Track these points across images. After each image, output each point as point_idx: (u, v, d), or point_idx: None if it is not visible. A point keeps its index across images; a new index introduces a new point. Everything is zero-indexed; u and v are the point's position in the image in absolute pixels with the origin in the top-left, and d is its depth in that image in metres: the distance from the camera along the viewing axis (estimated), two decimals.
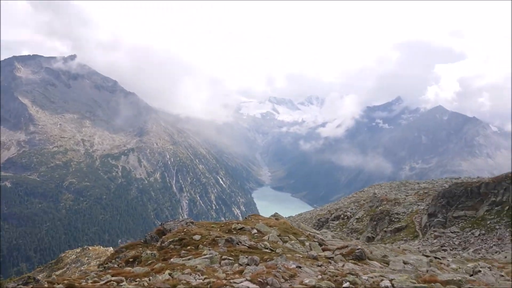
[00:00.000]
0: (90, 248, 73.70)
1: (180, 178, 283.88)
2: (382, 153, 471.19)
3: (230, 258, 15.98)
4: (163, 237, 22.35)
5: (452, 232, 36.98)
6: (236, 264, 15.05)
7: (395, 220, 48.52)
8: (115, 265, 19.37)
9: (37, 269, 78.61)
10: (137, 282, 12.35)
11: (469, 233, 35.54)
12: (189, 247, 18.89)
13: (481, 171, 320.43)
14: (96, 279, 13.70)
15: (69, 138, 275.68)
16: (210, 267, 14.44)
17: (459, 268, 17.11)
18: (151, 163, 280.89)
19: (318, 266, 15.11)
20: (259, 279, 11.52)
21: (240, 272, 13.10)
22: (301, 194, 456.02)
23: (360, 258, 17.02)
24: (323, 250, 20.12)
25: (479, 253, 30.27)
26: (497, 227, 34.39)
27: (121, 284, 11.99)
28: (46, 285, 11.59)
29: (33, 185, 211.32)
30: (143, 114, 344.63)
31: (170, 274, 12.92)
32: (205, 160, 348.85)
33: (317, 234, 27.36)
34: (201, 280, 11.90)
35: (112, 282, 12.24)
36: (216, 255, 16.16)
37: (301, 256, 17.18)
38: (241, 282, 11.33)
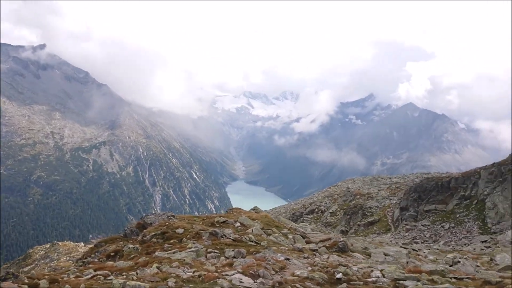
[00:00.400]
0: (60, 243, 72.00)
1: (153, 172, 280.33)
2: (355, 149, 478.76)
3: (215, 251, 16.01)
4: (145, 230, 22.30)
5: (423, 225, 37.84)
6: (223, 257, 15.07)
7: (368, 214, 49.32)
8: (95, 260, 19.13)
9: (3, 265, 76.28)
10: (125, 276, 12.01)
11: (440, 226, 36.43)
12: (172, 241, 18.86)
13: (449, 167, 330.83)
14: (78, 273, 13.30)
15: (38, 130, 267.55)
16: (197, 260, 14.40)
17: (437, 259, 17.50)
18: (123, 157, 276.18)
19: (305, 258, 15.29)
20: (250, 271, 11.56)
21: (230, 265, 13.11)
22: (275, 188, 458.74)
23: (343, 250, 17.31)
24: (307, 242, 20.34)
25: (449, 245, 31.04)
26: (466, 220, 35.36)
27: (108, 278, 11.64)
28: (26, 281, 11.10)
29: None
30: (116, 107, 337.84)
31: (158, 268, 12.74)
32: (179, 154, 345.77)
33: (298, 227, 27.60)
34: (191, 273, 11.80)
35: (98, 276, 11.91)
36: (201, 248, 16.14)
37: (287, 248, 17.35)
38: (233, 274, 11.29)
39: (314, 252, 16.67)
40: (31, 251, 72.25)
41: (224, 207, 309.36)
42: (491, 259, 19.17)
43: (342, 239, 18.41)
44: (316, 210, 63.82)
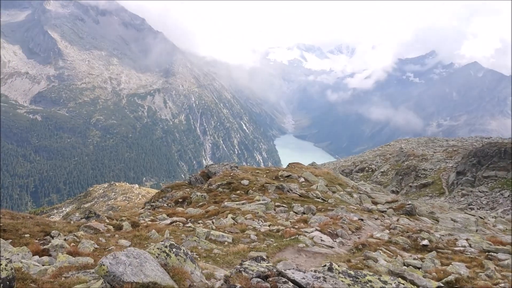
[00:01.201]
0: (117, 184, 76.38)
1: (204, 121, 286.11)
2: (411, 108, 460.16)
3: (283, 205, 15.89)
4: (210, 179, 22.63)
5: (480, 192, 36.19)
6: (292, 212, 14.92)
7: (421, 176, 47.81)
8: (164, 204, 19.70)
9: (67, 200, 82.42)
10: (202, 224, 12.35)
11: (498, 193, 34.68)
12: (238, 192, 19.14)
13: (510, 132, 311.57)
14: (152, 217, 13.92)
15: (97, 75, 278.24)
16: (268, 213, 14.41)
17: (506, 229, 16.62)
18: (176, 105, 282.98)
19: (375, 219, 14.97)
20: (328, 230, 11.41)
21: (304, 221, 12.93)
22: (323, 144, 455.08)
23: (410, 213, 16.95)
24: (373, 203, 19.98)
25: (507, 214, 29.60)
26: None
27: (187, 225, 11.98)
28: (107, 220, 11.93)
29: (62, 120, 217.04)
30: (170, 55, 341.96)
31: (233, 219, 12.86)
32: (230, 104, 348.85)
33: (360, 186, 27.16)
34: (267, 227, 11.72)
35: (177, 222, 12.34)
36: (270, 201, 16.04)
37: (356, 208, 17.04)
38: (312, 231, 11.12)
39: (383, 214, 16.28)
40: (91, 189, 77.33)
41: (272, 159, 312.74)
42: None
43: (409, 202, 17.92)
44: (367, 168, 62.76)
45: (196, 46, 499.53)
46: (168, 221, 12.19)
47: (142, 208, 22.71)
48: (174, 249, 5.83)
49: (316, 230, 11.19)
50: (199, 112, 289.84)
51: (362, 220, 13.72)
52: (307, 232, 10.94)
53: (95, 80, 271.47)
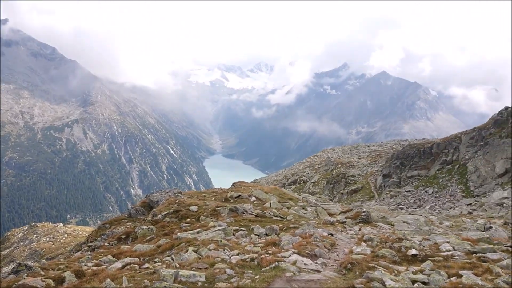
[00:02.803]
0: (38, 225, 70.37)
1: (129, 149, 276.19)
2: (330, 119, 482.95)
3: (242, 228, 14.94)
4: (154, 210, 21.15)
5: (407, 191, 38.40)
6: (253, 235, 14.00)
7: (351, 182, 49.79)
8: (105, 244, 17.85)
9: None
10: (161, 263, 10.70)
11: (423, 191, 37.04)
12: (188, 219, 17.84)
13: (422, 133, 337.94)
14: (95, 261, 12.06)
15: (6, 110, 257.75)
16: (231, 240, 13.22)
17: (453, 225, 17.42)
18: (97, 135, 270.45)
19: (339, 231, 14.47)
20: (306, 251, 10.51)
21: (273, 244, 11.94)
22: (252, 161, 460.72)
23: (367, 221, 16.81)
24: (329, 214, 19.56)
25: (434, 210, 31.59)
26: (449, 184, 36.01)
27: (144, 266, 10.28)
28: (42, 272, 9.92)
29: None
30: (86, 83, 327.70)
31: (195, 251, 11.36)
32: (154, 130, 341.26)
33: (309, 198, 27.00)
34: (237, 257, 10.41)
35: (132, 264, 10.51)
36: (226, 226, 15.00)
37: (317, 222, 16.44)
38: (290, 255, 10.14)
39: (344, 225, 15.99)
40: (8, 233, 70.36)
41: (202, 181, 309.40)
42: (506, 223, 19.45)
43: (364, 210, 17.87)
44: (298, 180, 64.16)
45: (113, 73, 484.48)
46: (119, 265, 10.43)
47: (79, 251, 20.64)
48: None
49: (294, 253, 10.33)
50: (122, 140, 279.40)
51: (332, 235, 13.26)
52: (285, 257, 9.96)
53: (4, 115, 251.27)
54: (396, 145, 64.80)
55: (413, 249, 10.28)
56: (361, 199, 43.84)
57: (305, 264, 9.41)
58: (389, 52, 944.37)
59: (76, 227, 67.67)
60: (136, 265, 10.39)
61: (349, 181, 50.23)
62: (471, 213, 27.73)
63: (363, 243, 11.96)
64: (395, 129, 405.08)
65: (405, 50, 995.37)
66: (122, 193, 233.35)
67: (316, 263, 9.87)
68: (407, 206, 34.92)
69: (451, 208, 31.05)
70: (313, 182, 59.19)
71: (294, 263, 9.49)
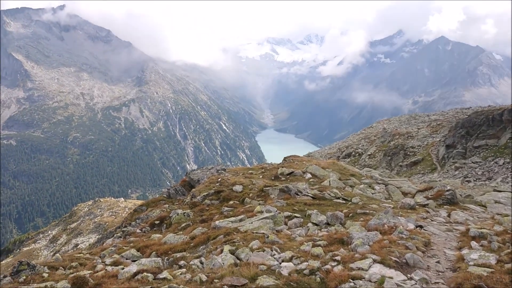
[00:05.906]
0: (102, 200, 74.22)
1: (183, 126, 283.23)
2: (385, 88, 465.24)
3: (296, 215, 11.92)
4: (193, 190, 18.36)
5: (474, 163, 35.80)
6: (311, 224, 11.06)
7: (410, 153, 47.41)
8: (137, 230, 15.65)
9: (52, 223, 79.76)
10: (185, 269, 8.02)
11: (493, 162, 34.30)
12: (231, 202, 15.13)
13: (484, 101, 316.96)
14: (115, 257, 10.09)
15: (68, 92, 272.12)
16: (280, 232, 10.47)
17: None
18: (153, 113, 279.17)
19: (423, 218, 11.23)
20: (393, 258, 7.08)
21: (340, 241, 8.56)
22: (304, 134, 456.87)
23: (452, 202, 13.72)
24: (403, 194, 16.63)
25: (507, 182, 29.18)
26: None
27: (161, 276, 7.40)
28: (44, 274, 8.17)
29: (38, 141, 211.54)
30: (140, 64, 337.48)
31: (232, 252, 8.40)
32: (207, 106, 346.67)
33: (373, 173, 23.86)
34: (290, 263, 7.37)
35: (145, 273, 7.45)
36: (276, 212, 11.87)
37: (392, 206, 13.21)
38: (369, 265, 6.85)
39: (426, 209, 12.72)
40: (75, 208, 74.97)
41: (255, 156, 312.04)
42: None
43: (448, 188, 14.44)
44: (353, 153, 62.17)
45: (165, 52, 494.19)
46: (134, 268, 7.90)
47: (111, 238, 18.29)
48: None
49: (375, 262, 7.00)
50: (177, 118, 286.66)
51: (421, 227, 9.70)
52: (362, 269, 6.74)
53: (67, 97, 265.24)
54: (458, 114, 60.80)
55: None
56: (422, 172, 41.60)
57: (397, 285, 6.14)
58: (448, 15, 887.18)
59: (137, 202, 70.53)
60: (150, 274, 7.42)
61: (408, 153, 47.85)
62: None
63: (473, 242, 8.21)
64: (455, 97, 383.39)
65: (466, 12, 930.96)
66: (178, 168, 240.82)
67: (412, 278, 6.45)
68: (475, 179, 32.56)
69: None
70: (368, 155, 57.11)
71: (381, 282, 6.17)
